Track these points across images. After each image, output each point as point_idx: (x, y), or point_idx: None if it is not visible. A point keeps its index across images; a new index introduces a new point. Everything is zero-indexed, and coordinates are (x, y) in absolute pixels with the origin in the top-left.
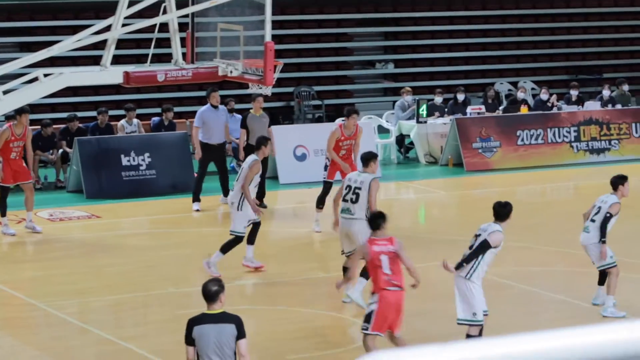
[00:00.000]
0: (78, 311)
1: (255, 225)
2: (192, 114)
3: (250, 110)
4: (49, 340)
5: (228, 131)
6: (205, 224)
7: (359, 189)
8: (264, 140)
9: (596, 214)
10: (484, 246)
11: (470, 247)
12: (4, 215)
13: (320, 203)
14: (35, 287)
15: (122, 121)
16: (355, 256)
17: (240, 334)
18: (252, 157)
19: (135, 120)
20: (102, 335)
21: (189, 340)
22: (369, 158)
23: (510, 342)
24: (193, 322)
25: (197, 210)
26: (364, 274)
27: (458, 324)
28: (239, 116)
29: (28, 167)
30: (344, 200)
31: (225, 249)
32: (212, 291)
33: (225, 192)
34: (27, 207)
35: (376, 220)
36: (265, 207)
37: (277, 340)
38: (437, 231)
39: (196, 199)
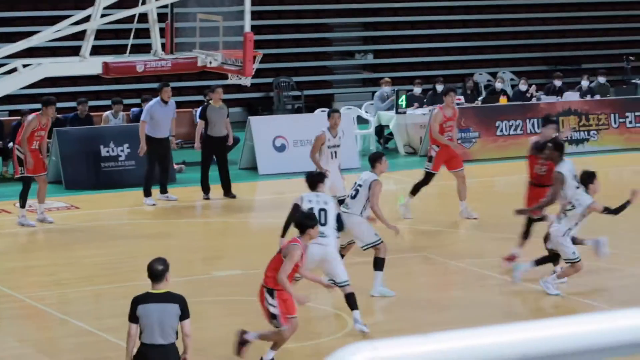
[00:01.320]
0: (57, 302)
1: None
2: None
3: (210, 101)
4: (29, 331)
5: (174, 125)
6: (185, 215)
7: (360, 186)
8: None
9: (571, 209)
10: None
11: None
12: (23, 206)
13: (416, 191)
14: (14, 278)
15: (108, 113)
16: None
17: (184, 314)
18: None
19: (121, 114)
20: (82, 326)
21: (133, 318)
22: (374, 159)
23: (493, 332)
24: (137, 301)
25: (153, 204)
26: (378, 266)
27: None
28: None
29: (44, 157)
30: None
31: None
32: (157, 270)
33: (164, 189)
34: (39, 199)
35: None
36: (234, 196)
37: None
38: (417, 221)
39: (147, 193)
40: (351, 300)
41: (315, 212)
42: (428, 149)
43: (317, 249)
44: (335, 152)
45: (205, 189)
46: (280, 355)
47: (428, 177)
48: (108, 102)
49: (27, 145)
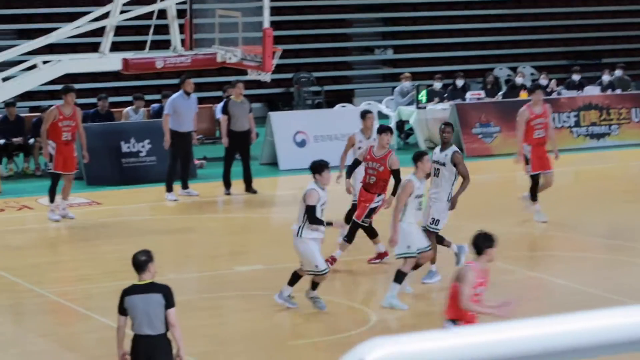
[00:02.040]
0: (80, 297)
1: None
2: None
3: (231, 97)
4: (52, 326)
5: (196, 121)
6: (206, 210)
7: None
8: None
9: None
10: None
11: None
12: (52, 201)
13: (534, 196)
14: (38, 273)
15: (129, 109)
16: None
17: (169, 303)
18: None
19: (142, 110)
20: (104, 321)
21: (121, 310)
22: (414, 159)
23: (515, 327)
24: (124, 293)
25: (175, 200)
26: (398, 278)
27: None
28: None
29: (83, 146)
30: None
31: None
32: (140, 261)
33: (185, 185)
34: (63, 195)
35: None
36: (255, 192)
37: (279, 327)
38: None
39: (169, 189)
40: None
41: None
42: (519, 150)
43: None
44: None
45: (227, 184)
46: (304, 348)
47: (534, 180)
48: (128, 98)
49: (46, 137)
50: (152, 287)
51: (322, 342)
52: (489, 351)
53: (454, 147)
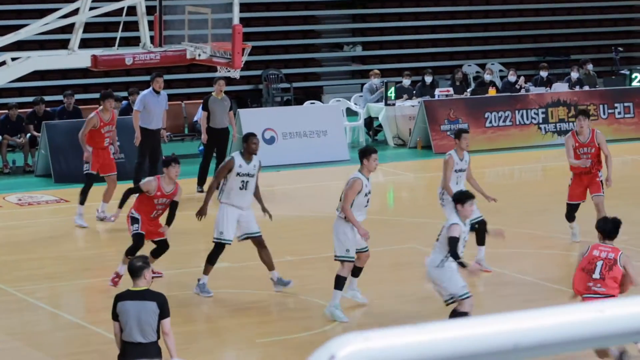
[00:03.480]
0: (48, 295)
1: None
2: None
3: (212, 93)
4: (19, 324)
5: (165, 118)
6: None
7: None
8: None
9: None
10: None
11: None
12: (82, 203)
13: (572, 219)
14: (5, 272)
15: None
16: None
17: (164, 313)
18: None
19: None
20: (72, 319)
21: (115, 316)
22: (361, 155)
23: (485, 322)
24: (118, 298)
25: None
26: (338, 284)
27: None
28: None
29: (114, 142)
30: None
31: None
32: (136, 267)
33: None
34: (104, 198)
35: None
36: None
37: (248, 324)
38: (406, 214)
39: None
40: None
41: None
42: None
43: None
44: (460, 176)
45: (201, 181)
46: (272, 346)
47: (569, 209)
48: (97, 95)
49: (85, 143)
50: (146, 295)
51: (292, 339)
52: (462, 346)
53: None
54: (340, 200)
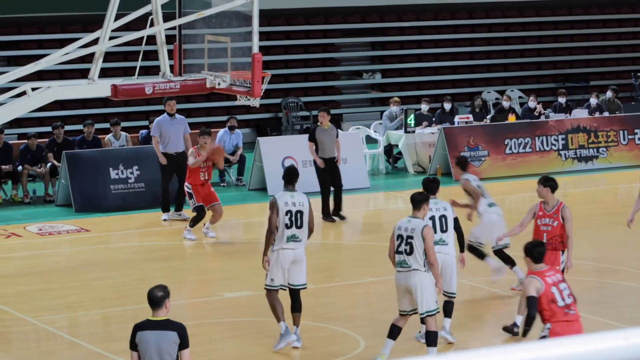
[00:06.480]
0: (68, 325)
1: None
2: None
3: (318, 123)
4: (39, 355)
5: (189, 141)
6: (195, 234)
7: (411, 237)
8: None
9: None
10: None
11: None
12: (192, 226)
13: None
14: (25, 301)
15: (109, 136)
16: None
17: (184, 343)
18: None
19: (123, 134)
20: (92, 349)
21: (133, 346)
22: (420, 200)
23: (513, 350)
24: (137, 328)
25: (165, 220)
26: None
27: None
28: (239, 132)
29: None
30: (398, 252)
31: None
32: (157, 297)
33: (179, 207)
34: (211, 221)
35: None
36: (344, 218)
37: (268, 353)
38: None
39: (165, 209)
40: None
41: (436, 219)
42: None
43: (439, 257)
44: None
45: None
46: None
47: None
48: None
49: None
50: (167, 325)
51: None
52: None
53: None
54: (406, 253)
